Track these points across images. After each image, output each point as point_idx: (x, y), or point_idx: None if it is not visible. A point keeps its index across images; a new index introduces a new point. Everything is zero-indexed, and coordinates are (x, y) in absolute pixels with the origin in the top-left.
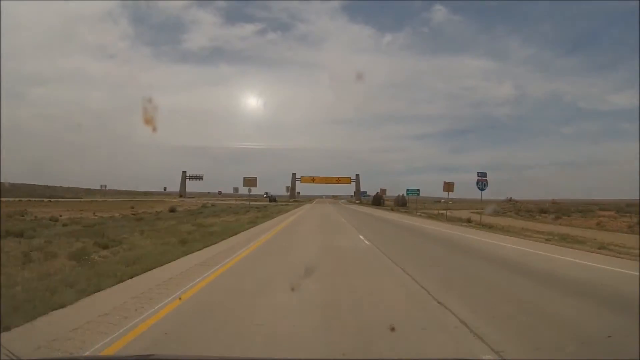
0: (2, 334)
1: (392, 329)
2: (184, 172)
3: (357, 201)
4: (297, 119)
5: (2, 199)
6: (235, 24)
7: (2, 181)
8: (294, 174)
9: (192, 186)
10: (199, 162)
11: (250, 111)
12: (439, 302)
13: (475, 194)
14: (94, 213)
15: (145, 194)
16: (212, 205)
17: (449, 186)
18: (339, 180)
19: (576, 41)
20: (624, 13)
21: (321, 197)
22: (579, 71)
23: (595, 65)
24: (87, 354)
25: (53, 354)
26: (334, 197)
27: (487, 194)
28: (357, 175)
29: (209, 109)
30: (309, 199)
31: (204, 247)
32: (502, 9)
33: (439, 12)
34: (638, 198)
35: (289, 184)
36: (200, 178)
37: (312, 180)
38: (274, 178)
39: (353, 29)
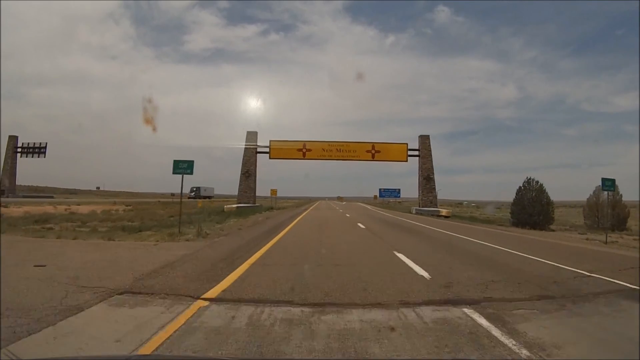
0: None
1: None
2: (12, 140)
3: (438, 211)
4: (298, 120)
5: None
6: (237, 24)
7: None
8: (251, 134)
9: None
10: (199, 162)
11: (251, 112)
12: None
13: (476, 196)
14: None
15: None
16: None
17: None
18: (375, 151)
19: (580, 43)
20: (628, 14)
21: (324, 198)
22: (582, 73)
23: (598, 67)
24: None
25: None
26: (339, 198)
27: (490, 196)
28: (426, 140)
29: (210, 109)
30: (301, 202)
31: None
32: (505, 11)
33: (442, 13)
34: (638, 199)
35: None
36: (41, 152)
37: (302, 152)
38: (273, 178)
39: (356, 30)
